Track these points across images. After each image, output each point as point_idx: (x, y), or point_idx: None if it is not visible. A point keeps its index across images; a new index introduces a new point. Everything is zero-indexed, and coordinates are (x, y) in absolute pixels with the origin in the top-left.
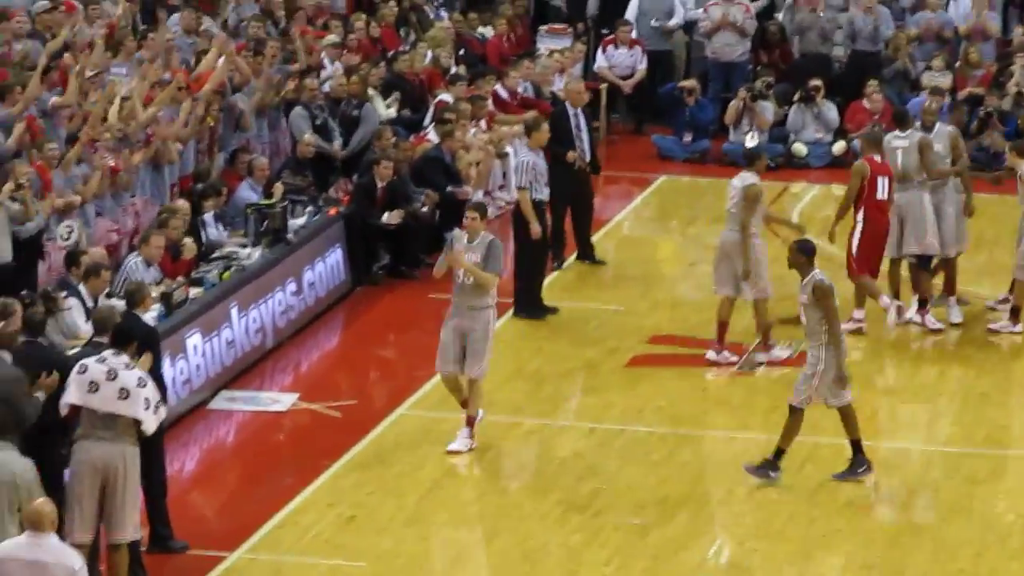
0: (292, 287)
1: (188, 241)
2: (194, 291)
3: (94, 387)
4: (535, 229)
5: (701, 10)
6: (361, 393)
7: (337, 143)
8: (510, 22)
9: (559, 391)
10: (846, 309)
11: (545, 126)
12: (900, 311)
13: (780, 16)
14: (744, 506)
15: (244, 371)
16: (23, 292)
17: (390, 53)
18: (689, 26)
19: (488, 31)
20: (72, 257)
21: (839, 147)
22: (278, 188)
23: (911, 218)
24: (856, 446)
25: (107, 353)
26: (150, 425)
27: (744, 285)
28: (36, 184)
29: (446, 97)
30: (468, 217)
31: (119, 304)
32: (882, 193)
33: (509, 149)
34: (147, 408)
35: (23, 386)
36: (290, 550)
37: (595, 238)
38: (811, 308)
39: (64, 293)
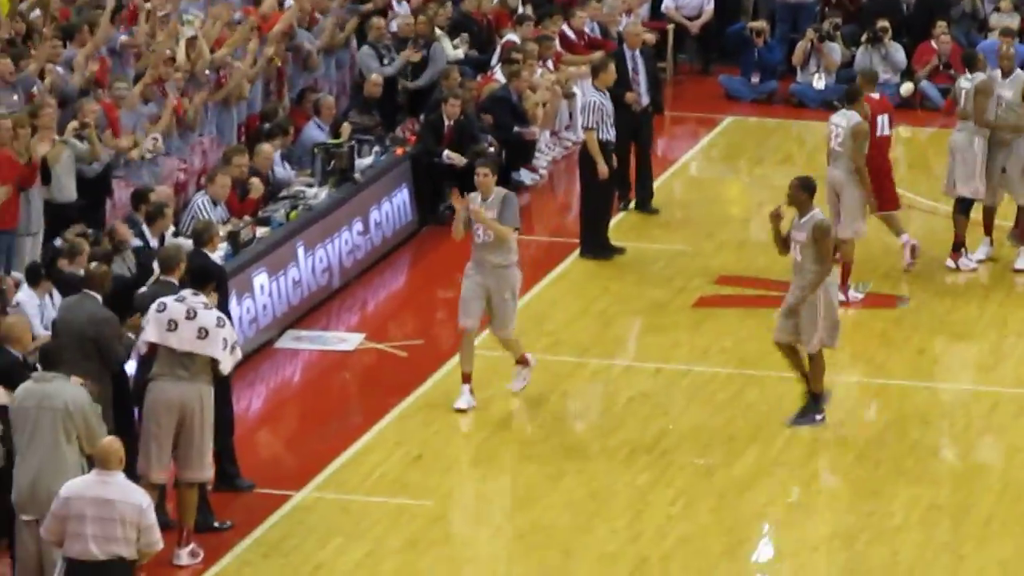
0: (359, 226)
1: (255, 180)
2: (261, 230)
3: (173, 326)
4: (602, 169)
5: None
6: (427, 333)
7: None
8: None
9: (625, 331)
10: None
11: (612, 66)
12: (913, 251)
13: None
14: (809, 447)
15: (311, 310)
16: (89, 231)
17: None
18: None
19: None
20: (140, 196)
21: (907, 88)
22: (345, 128)
23: (959, 159)
24: (816, 397)
25: (186, 292)
26: (227, 365)
27: (843, 221)
28: (103, 123)
29: (513, 37)
30: (480, 174)
31: (186, 242)
32: (881, 130)
33: (576, 89)
34: (225, 348)
35: (116, 327)
36: (356, 489)
37: (662, 178)
38: (808, 247)
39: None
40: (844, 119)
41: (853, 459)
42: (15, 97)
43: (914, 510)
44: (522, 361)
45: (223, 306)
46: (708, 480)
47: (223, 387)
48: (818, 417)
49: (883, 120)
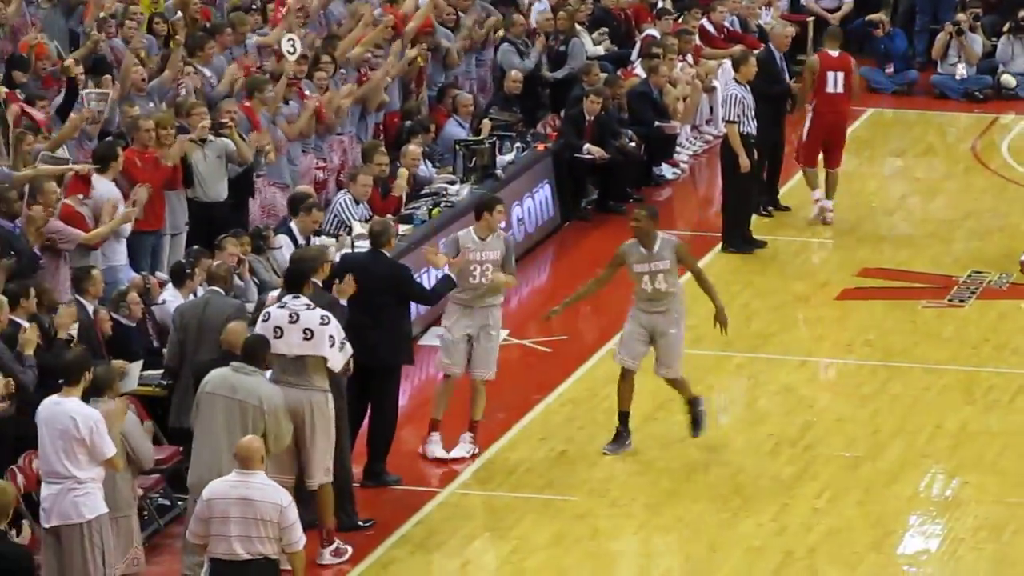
0: (501, 223)
1: (399, 179)
2: (404, 228)
3: (279, 332)
4: (744, 162)
5: None
6: (571, 328)
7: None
8: None
9: (769, 325)
10: None
11: (752, 60)
12: (823, 211)
13: None
14: (955, 439)
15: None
16: (233, 230)
17: None
18: None
19: None
20: (297, 199)
21: None
22: (486, 124)
23: None
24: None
25: (287, 298)
26: (336, 362)
27: None
28: (245, 125)
29: (653, 32)
30: (497, 210)
31: (329, 241)
32: (832, 87)
33: (716, 83)
34: (332, 345)
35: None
36: (502, 485)
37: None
38: (672, 271)
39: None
40: None
41: (999, 450)
42: (151, 104)
43: None
44: (473, 428)
45: (418, 291)
46: (853, 473)
47: (390, 384)
48: (628, 441)
49: (834, 77)
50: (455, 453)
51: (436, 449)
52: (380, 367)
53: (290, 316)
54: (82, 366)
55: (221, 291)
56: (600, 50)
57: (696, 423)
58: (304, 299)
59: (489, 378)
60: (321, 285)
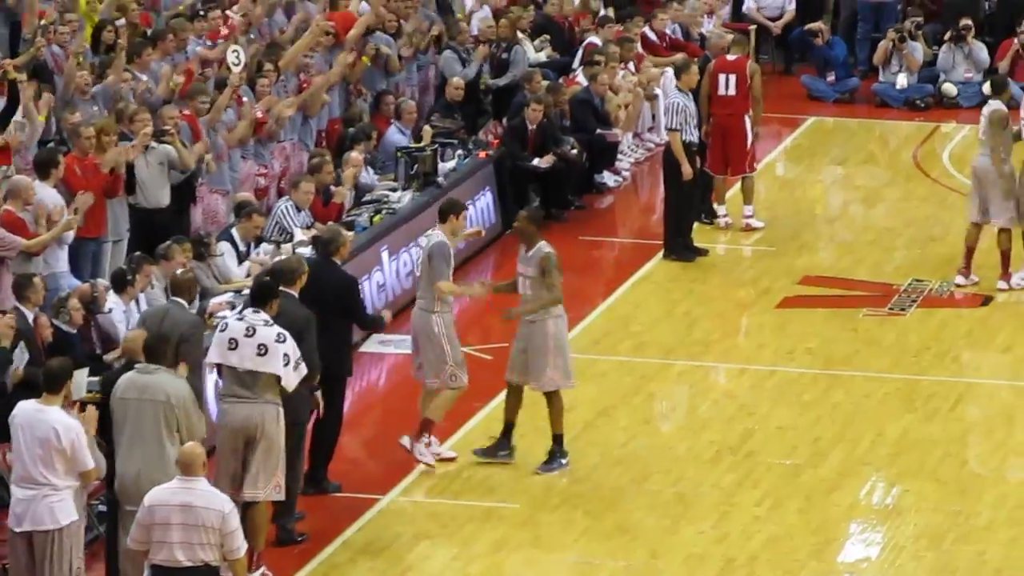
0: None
1: (339, 187)
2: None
3: (233, 344)
4: (687, 170)
5: None
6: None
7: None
8: None
9: (710, 332)
10: None
11: (694, 68)
12: (726, 221)
13: None
14: (896, 447)
15: (397, 314)
16: (175, 236)
17: None
18: None
19: None
20: (242, 206)
21: (988, 87)
22: (427, 131)
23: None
24: (559, 440)
25: (247, 311)
26: (290, 381)
27: (995, 210)
28: (187, 132)
29: (595, 40)
30: (463, 216)
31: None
32: (724, 89)
33: (658, 91)
34: (286, 364)
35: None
36: (443, 492)
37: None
38: (536, 280)
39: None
40: (987, 108)
41: (939, 458)
42: (95, 108)
43: (1001, 509)
44: (428, 428)
45: (359, 310)
46: (794, 480)
47: (334, 392)
48: (563, 461)
49: (726, 79)
50: (445, 453)
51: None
52: (325, 376)
53: (247, 329)
54: (64, 374)
55: (184, 302)
56: (542, 56)
57: (548, 461)
58: (264, 314)
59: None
60: (297, 296)
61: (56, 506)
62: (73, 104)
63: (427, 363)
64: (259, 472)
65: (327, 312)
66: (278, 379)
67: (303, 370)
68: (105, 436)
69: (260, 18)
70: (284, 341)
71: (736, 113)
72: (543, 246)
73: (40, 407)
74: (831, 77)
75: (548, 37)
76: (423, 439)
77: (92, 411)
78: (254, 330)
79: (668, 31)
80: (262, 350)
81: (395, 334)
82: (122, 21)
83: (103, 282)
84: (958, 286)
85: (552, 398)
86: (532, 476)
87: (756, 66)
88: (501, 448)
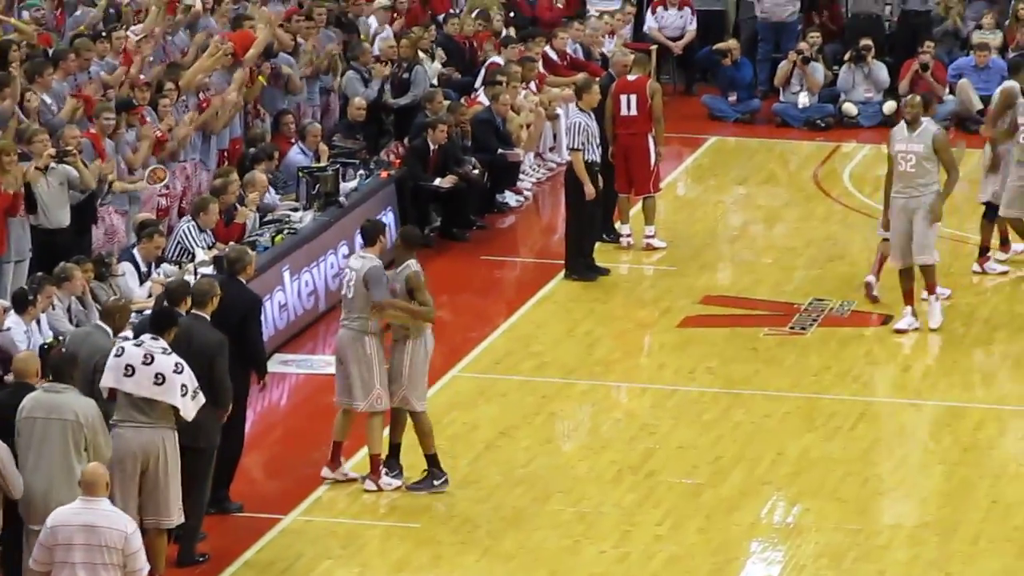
0: (344, 250)
1: (242, 207)
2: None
3: (130, 371)
4: (589, 190)
5: None
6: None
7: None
8: None
9: (611, 352)
10: None
11: (595, 87)
12: (628, 241)
13: None
14: (797, 466)
15: (297, 334)
16: (76, 257)
17: (440, 16)
18: None
19: None
20: (144, 225)
21: (889, 107)
22: (324, 150)
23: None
24: (432, 460)
25: (145, 336)
26: (188, 412)
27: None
28: (90, 152)
29: (497, 59)
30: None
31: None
32: (625, 109)
33: (560, 110)
34: (184, 395)
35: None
36: (344, 512)
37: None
38: (404, 299)
39: (116, 258)
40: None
41: (840, 477)
42: None
43: (901, 528)
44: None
45: (256, 334)
46: (695, 500)
47: (238, 410)
48: (436, 483)
49: (627, 100)
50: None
51: (392, 480)
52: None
53: (144, 357)
54: None
55: (109, 329)
56: (438, 66)
57: (424, 480)
58: (162, 342)
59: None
60: (208, 319)
61: None
62: None
63: (355, 385)
64: (162, 499)
65: (232, 332)
66: (175, 408)
67: (200, 399)
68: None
69: (159, 39)
70: (182, 372)
71: (639, 133)
72: (411, 264)
73: None
74: (733, 97)
75: (441, 51)
76: (382, 472)
77: None
78: (152, 358)
79: (569, 51)
80: (159, 379)
81: (297, 354)
82: (22, 42)
83: (3, 302)
84: (1000, 262)
85: (419, 419)
86: (432, 495)
87: (657, 85)
88: (436, 476)
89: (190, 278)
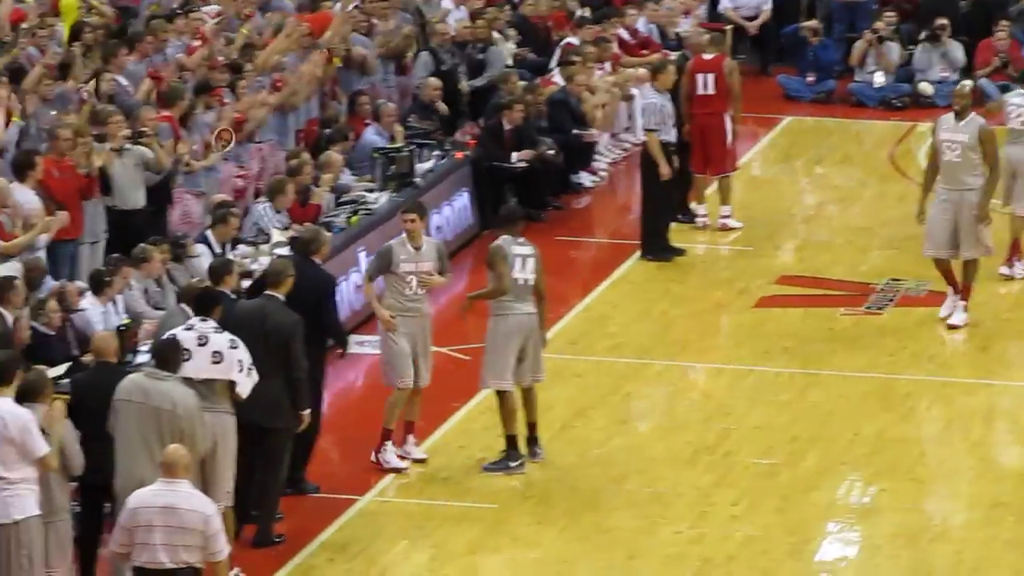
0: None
1: (317, 188)
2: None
3: (187, 355)
4: (664, 170)
5: None
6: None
7: (464, 84)
8: None
9: (687, 332)
10: None
11: (671, 68)
12: (704, 222)
13: None
14: (873, 446)
15: (373, 315)
16: (153, 238)
17: None
18: None
19: None
20: (220, 207)
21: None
22: (399, 131)
23: (1020, 173)
24: (510, 441)
25: (194, 320)
26: (244, 387)
27: (1020, 198)
28: (167, 133)
29: (572, 40)
30: (407, 219)
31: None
32: (702, 88)
33: (634, 91)
34: (240, 370)
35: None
36: (420, 493)
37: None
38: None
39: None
40: (1021, 98)
41: (916, 457)
42: (52, 113)
43: (977, 508)
44: (412, 430)
45: (331, 313)
46: (771, 480)
47: (314, 391)
48: (512, 464)
49: (704, 79)
50: (415, 455)
51: (391, 458)
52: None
53: (198, 339)
54: (12, 366)
55: (190, 311)
56: (512, 46)
57: (500, 461)
58: (212, 321)
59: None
60: (283, 299)
61: (10, 500)
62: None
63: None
64: (214, 481)
65: (307, 312)
66: (232, 386)
67: (255, 376)
68: (83, 433)
69: (230, 20)
70: (237, 347)
71: (715, 112)
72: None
73: None
74: (811, 78)
75: (514, 31)
76: (388, 446)
77: (59, 405)
78: (206, 339)
79: (642, 29)
80: (217, 357)
81: (372, 335)
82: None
83: (79, 284)
84: (1006, 277)
85: (500, 397)
86: (508, 476)
87: (734, 63)
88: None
89: (266, 259)
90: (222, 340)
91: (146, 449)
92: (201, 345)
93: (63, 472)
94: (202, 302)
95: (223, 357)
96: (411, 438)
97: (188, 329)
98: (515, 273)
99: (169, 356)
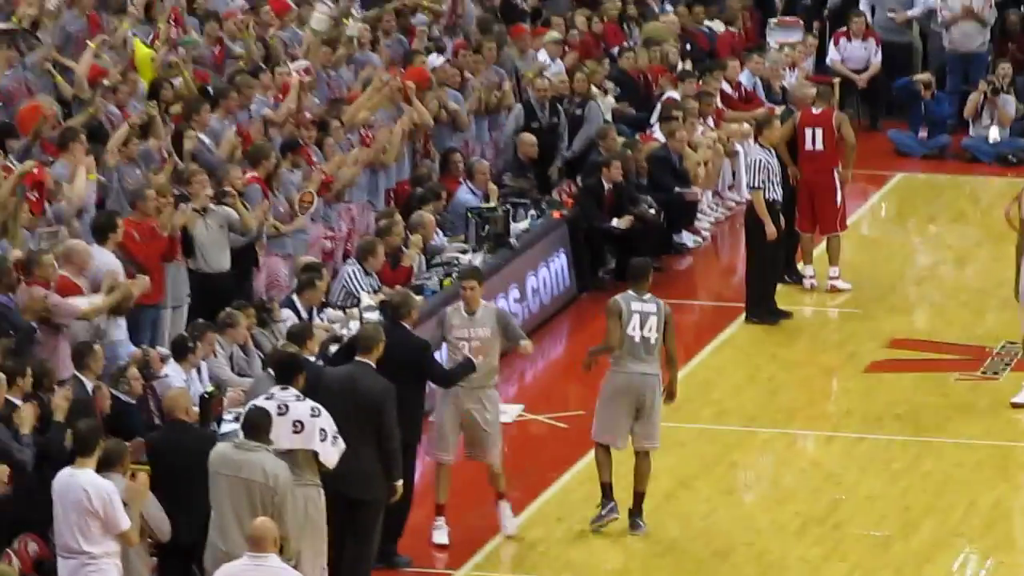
0: (515, 293)
1: (408, 250)
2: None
3: None
4: (770, 230)
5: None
6: (589, 403)
7: (563, 144)
8: (739, 15)
9: (795, 398)
10: None
11: (776, 123)
12: (812, 283)
13: (1022, 7)
14: (990, 517)
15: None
16: (237, 302)
17: (614, 49)
18: (926, 16)
19: (716, 24)
20: (307, 268)
21: None
22: (493, 190)
23: None
24: (605, 490)
25: (274, 389)
26: (329, 457)
27: None
28: (256, 194)
29: (673, 94)
30: (466, 287)
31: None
32: (811, 144)
33: (738, 147)
34: (323, 439)
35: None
36: (517, 567)
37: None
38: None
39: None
40: None
41: None
42: (137, 171)
43: None
44: (503, 497)
45: (436, 370)
46: (884, 552)
47: (407, 459)
48: (603, 512)
49: (812, 133)
50: (437, 539)
51: (435, 534)
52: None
53: (279, 408)
54: (95, 436)
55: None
56: (611, 101)
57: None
58: (293, 390)
59: (496, 462)
60: (374, 366)
61: (94, 575)
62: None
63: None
64: (304, 558)
65: (398, 379)
66: (316, 456)
67: (341, 445)
68: (166, 499)
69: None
70: (319, 415)
71: (824, 169)
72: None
73: (72, 472)
74: (923, 132)
75: (614, 84)
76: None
77: (143, 477)
78: (287, 407)
79: (748, 84)
80: (298, 427)
81: None
82: (178, 80)
83: (161, 350)
84: None
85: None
86: (609, 549)
87: (843, 115)
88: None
89: (355, 323)
90: (303, 409)
91: (237, 522)
92: (281, 414)
93: (146, 542)
94: (283, 369)
95: (304, 426)
96: (504, 506)
97: (268, 398)
98: (631, 330)
99: (259, 425)
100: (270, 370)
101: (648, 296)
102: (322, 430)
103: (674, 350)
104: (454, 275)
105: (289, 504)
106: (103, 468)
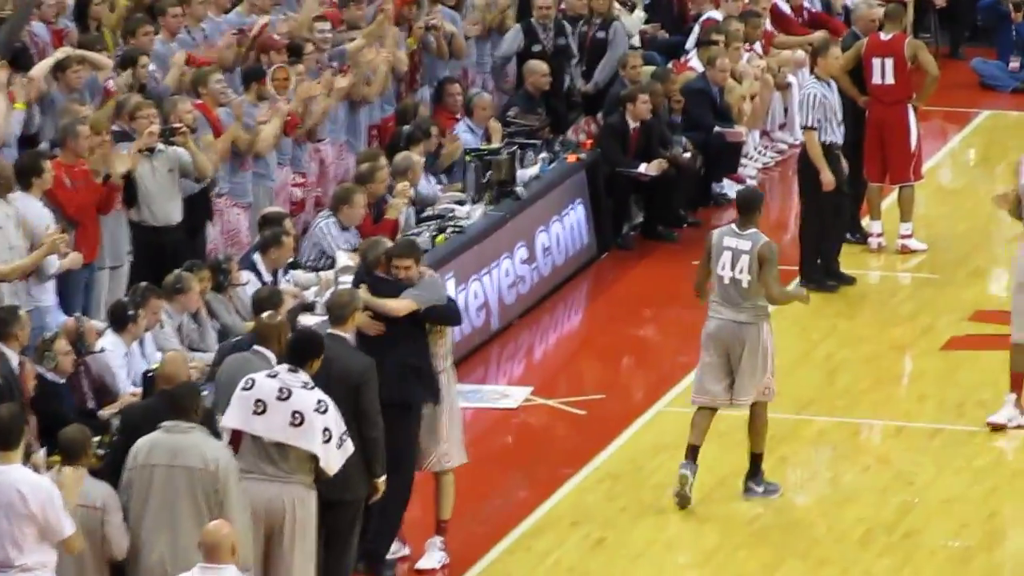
0: (523, 253)
1: (393, 199)
2: None
3: (260, 407)
4: (827, 178)
5: None
6: (610, 386)
7: (577, 72)
8: None
9: (858, 381)
10: None
11: (836, 50)
12: (879, 242)
13: None
14: None
15: (464, 358)
16: (189, 262)
17: None
18: None
19: None
20: (269, 220)
21: None
22: (496, 128)
23: None
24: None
25: (281, 367)
26: (331, 463)
27: None
28: (204, 127)
29: (714, 14)
30: (399, 267)
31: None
32: (879, 77)
33: (791, 79)
34: (326, 440)
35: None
36: None
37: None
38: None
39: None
40: None
41: None
42: (63, 101)
43: None
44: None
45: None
46: (964, 567)
47: (407, 450)
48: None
49: (880, 64)
50: (422, 564)
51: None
52: (391, 404)
53: (279, 392)
54: (16, 424)
55: (270, 355)
56: (639, 21)
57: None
58: (303, 375)
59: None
60: (351, 339)
61: None
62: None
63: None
64: (286, 570)
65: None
66: (314, 458)
67: (348, 448)
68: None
69: None
70: (325, 412)
71: (896, 105)
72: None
73: None
74: (1015, 62)
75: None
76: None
77: (71, 472)
78: (289, 393)
79: (806, 3)
80: (297, 419)
81: (464, 382)
82: None
83: (95, 323)
84: None
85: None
86: (635, 560)
87: (918, 43)
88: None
89: (330, 288)
90: (308, 400)
91: (174, 522)
92: (281, 400)
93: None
94: (300, 348)
95: (304, 420)
96: (436, 539)
97: (271, 376)
98: (720, 269)
99: (187, 401)
100: (258, 346)
101: (751, 231)
102: (326, 429)
103: (772, 290)
104: (448, 231)
105: (235, 497)
106: (66, 462)
